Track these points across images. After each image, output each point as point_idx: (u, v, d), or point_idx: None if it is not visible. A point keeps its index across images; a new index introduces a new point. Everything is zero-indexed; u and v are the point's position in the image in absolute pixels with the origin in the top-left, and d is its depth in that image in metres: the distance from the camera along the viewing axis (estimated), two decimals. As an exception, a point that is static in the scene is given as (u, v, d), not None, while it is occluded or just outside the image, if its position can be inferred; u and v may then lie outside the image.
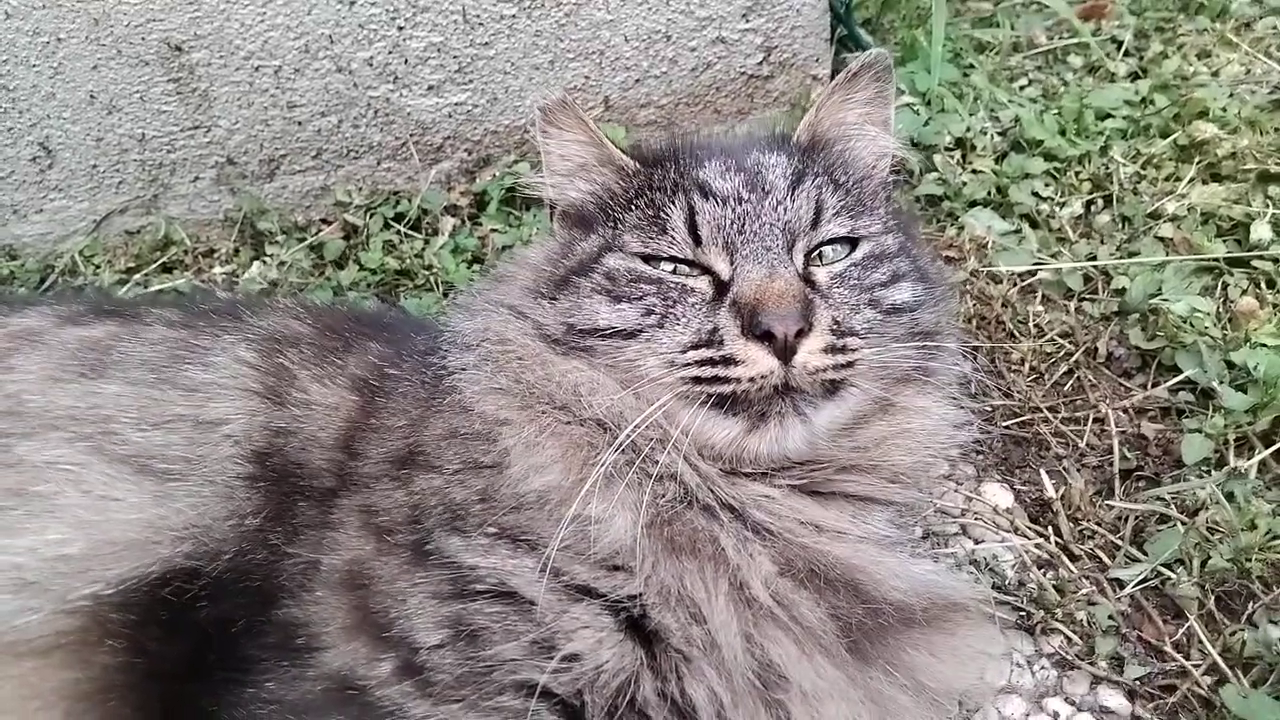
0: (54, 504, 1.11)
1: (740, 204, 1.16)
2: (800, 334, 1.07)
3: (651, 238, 1.19)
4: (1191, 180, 2.20)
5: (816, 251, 1.18)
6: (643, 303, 1.15)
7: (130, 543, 1.09)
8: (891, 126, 1.34)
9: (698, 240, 1.16)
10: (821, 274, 1.17)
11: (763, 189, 1.18)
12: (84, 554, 1.08)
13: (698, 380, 1.09)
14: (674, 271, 1.17)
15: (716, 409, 1.10)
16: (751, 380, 1.07)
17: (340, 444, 1.20)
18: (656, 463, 1.09)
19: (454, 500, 1.12)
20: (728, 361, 1.08)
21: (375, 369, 1.29)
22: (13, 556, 1.07)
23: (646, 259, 1.19)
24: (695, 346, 1.10)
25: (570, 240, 1.28)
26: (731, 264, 1.14)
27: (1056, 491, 1.66)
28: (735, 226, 1.15)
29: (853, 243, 1.21)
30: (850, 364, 1.10)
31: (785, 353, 1.06)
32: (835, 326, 1.10)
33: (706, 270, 1.16)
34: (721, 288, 1.14)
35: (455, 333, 1.26)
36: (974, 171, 2.32)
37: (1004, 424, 1.78)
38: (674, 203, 1.19)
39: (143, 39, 2.23)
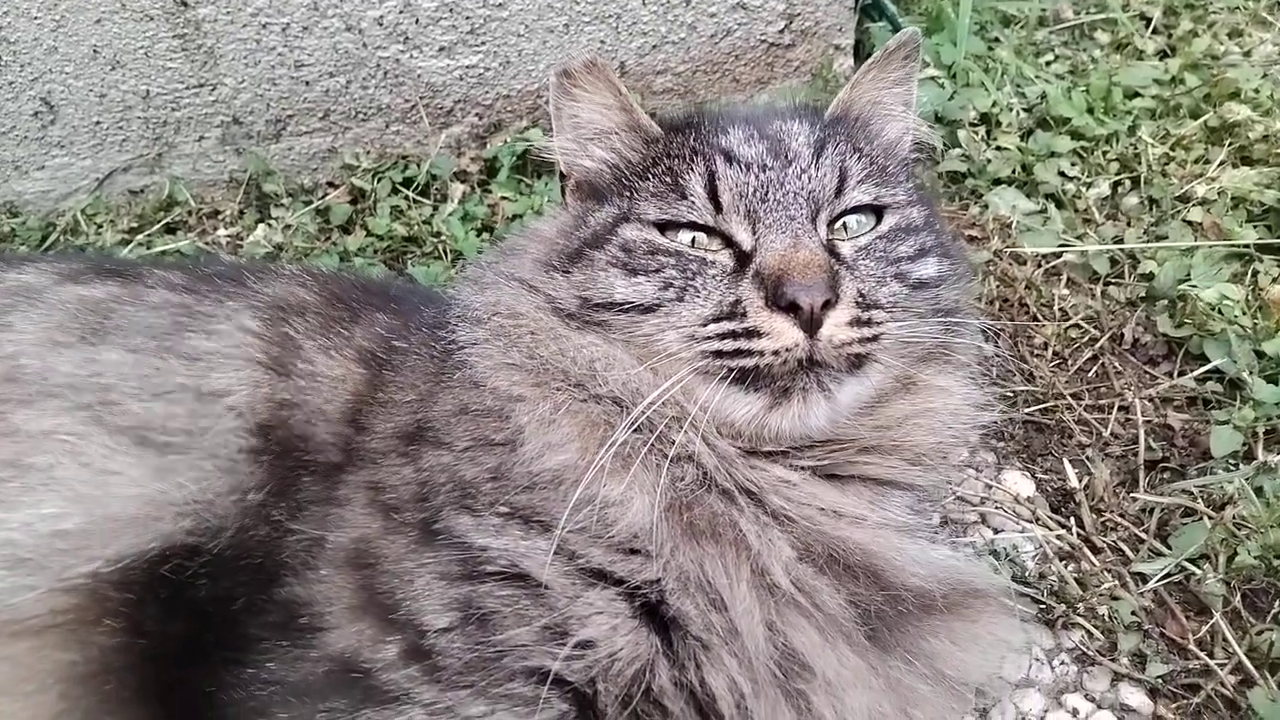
0: (51, 476, 1.07)
1: (764, 171, 1.12)
2: (826, 305, 1.02)
3: (669, 204, 1.14)
4: (1222, 163, 2.15)
5: (840, 223, 1.15)
6: (660, 275, 1.11)
7: (131, 519, 1.05)
8: (914, 105, 1.30)
9: (718, 207, 1.12)
10: (846, 246, 1.13)
11: (786, 157, 1.14)
12: (82, 530, 1.04)
13: (719, 354, 1.05)
14: (693, 244, 1.13)
15: (737, 385, 1.06)
16: (775, 354, 1.03)
17: (346, 418, 1.16)
18: (673, 443, 1.05)
19: (464, 478, 1.08)
20: (751, 334, 1.04)
21: (383, 341, 1.25)
22: (7, 531, 1.03)
23: (664, 228, 1.14)
24: (716, 319, 1.06)
25: (583, 212, 1.23)
26: (754, 234, 1.10)
27: (1079, 481, 1.62)
28: (758, 195, 1.11)
29: (878, 214, 1.17)
30: (875, 338, 1.06)
31: (811, 325, 1.02)
32: (860, 299, 1.07)
33: (727, 240, 1.12)
34: (743, 259, 1.10)
35: (465, 306, 1.21)
36: (999, 148, 2.26)
37: (1026, 410, 1.74)
38: (694, 168, 1.15)
39: (148, -8, 2.17)
